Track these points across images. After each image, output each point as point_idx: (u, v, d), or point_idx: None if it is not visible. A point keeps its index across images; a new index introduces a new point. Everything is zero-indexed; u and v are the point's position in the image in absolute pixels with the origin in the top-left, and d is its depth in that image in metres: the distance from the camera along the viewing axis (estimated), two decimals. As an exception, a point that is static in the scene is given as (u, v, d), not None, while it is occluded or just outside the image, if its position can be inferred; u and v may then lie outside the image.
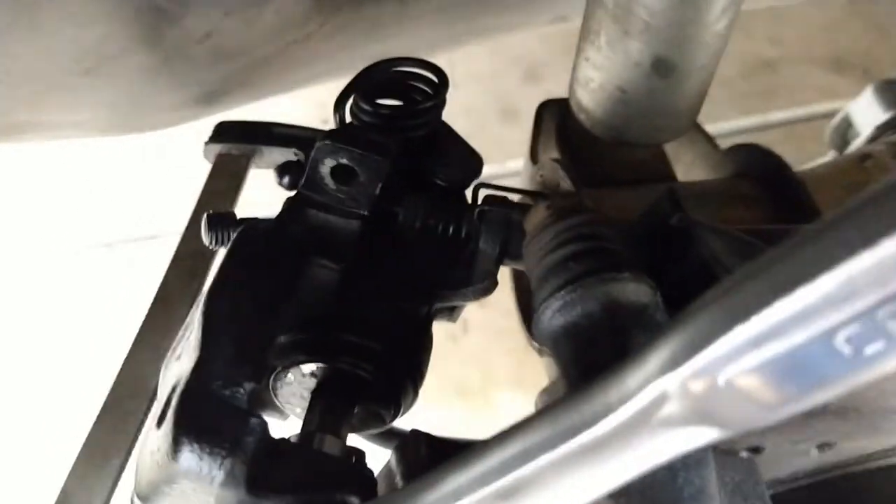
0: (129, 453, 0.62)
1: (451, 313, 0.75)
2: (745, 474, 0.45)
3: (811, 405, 0.31)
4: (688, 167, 0.95)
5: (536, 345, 0.82)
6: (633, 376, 0.33)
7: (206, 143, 0.83)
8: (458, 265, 0.68)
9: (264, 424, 0.51)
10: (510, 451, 0.38)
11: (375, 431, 0.70)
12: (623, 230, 0.47)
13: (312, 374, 0.65)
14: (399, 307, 0.66)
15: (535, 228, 0.47)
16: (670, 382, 0.32)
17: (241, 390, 0.52)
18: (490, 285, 0.69)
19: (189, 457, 0.48)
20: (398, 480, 0.67)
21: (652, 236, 0.50)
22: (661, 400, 0.32)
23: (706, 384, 0.31)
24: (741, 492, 0.43)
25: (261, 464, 0.50)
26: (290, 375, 0.65)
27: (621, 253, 0.45)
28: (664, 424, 0.33)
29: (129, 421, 0.62)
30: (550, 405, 0.37)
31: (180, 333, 0.64)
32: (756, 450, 0.46)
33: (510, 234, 0.66)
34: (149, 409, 0.65)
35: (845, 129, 1.26)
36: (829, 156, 1.28)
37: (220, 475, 0.48)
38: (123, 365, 0.66)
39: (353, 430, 0.68)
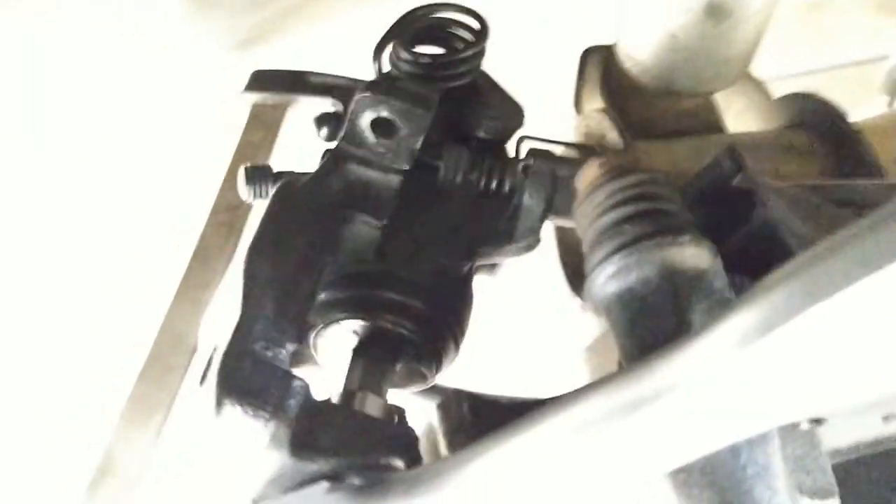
0: (171, 409, 0.61)
1: (492, 269, 0.73)
2: (807, 447, 0.43)
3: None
4: (737, 116, 0.91)
5: (581, 301, 0.80)
6: (701, 352, 0.32)
7: (242, 92, 0.81)
8: (500, 221, 0.66)
9: (307, 386, 0.50)
10: (566, 422, 0.36)
11: (417, 389, 0.70)
12: (680, 189, 0.45)
13: (353, 332, 0.64)
14: (440, 263, 0.64)
15: (588, 187, 0.44)
16: (742, 360, 0.30)
17: (283, 351, 0.51)
18: (533, 242, 0.67)
19: (232, 418, 0.48)
20: (440, 438, 0.67)
21: (711, 196, 0.48)
22: (730, 378, 0.31)
23: (781, 364, 0.29)
24: (803, 466, 0.41)
25: (304, 426, 0.49)
26: (330, 333, 0.64)
27: (680, 214, 0.43)
28: (731, 404, 0.32)
29: (172, 377, 0.61)
30: (610, 376, 0.35)
31: (220, 289, 0.63)
32: (818, 421, 0.45)
33: (556, 189, 0.64)
34: (190, 364, 0.64)
35: (900, 74, 1.20)
36: (883, 102, 1.23)
37: (263, 437, 0.48)
38: (165, 320, 0.66)
39: (395, 388, 0.67)
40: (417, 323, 0.63)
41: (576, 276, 0.82)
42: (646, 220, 0.42)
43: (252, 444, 0.48)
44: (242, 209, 0.73)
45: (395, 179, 0.61)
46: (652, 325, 0.40)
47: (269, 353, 0.50)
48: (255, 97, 0.81)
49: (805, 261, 0.29)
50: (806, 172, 0.76)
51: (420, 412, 0.67)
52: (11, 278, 1.19)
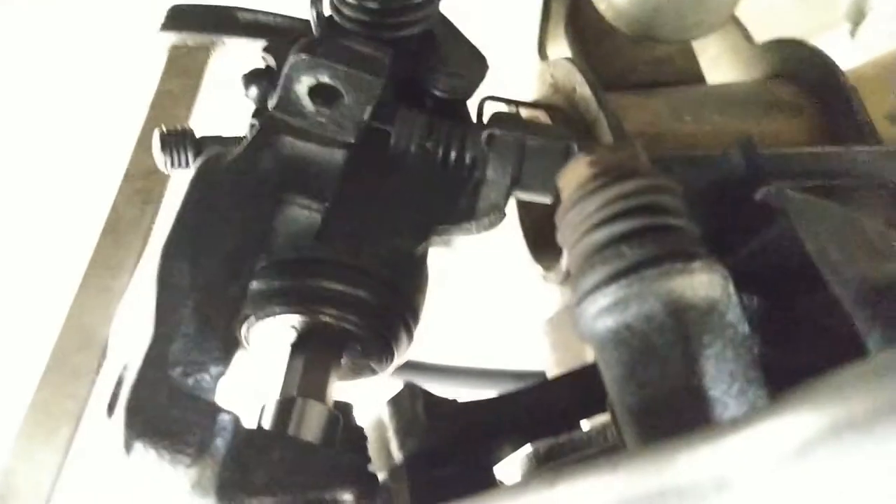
0: (79, 420, 0.53)
1: (448, 242, 0.66)
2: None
3: None
4: (712, 61, 0.83)
5: (547, 273, 0.73)
6: (741, 453, 0.25)
7: (158, 32, 0.70)
8: (460, 196, 0.58)
9: (236, 419, 0.42)
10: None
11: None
12: (686, 196, 0.37)
13: (292, 327, 0.56)
14: (390, 245, 0.56)
15: (576, 191, 0.36)
16: (794, 472, 0.23)
17: (207, 376, 0.43)
18: (497, 219, 0.59)
19: (145, 461, 0.40)
20: (391, 436, 0.61)
21: (722, 204, 0.40)
22: (778, 491, 0.24)
23: (842, 477, 0.23)
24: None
25: (233, 465, 0.41)
26: (264, 326, 0.56)
27: (689, 232, 0.35)
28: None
29: (79, 381, 0.53)
30: (616, 459, 0.28)
31: (135, 275, 0.54)
32: None
33: (523, 161, 0.56)
34: (101, 365, 0.56)
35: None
36: (845, 31, 1.18)
37: (185, 483, 0.40)
38: (70, 312, 0.56)
39: (341, 380, 0.60)
40: (364, 315, 0.55)
41: (537, 243, 0.75)
42: (649, 241, 0.34)
43: (171, 488, 0.41)
44: (160, 174, 0.63)
45: (338, 154, 0.51)
46: (655, 373, 0.33)
47: (190, 381, 0.42)
48: (173, 38, 0.70)
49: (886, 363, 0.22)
50: (792, 133, 0.70)
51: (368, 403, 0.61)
52: None
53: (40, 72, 0.89)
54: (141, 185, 0.63)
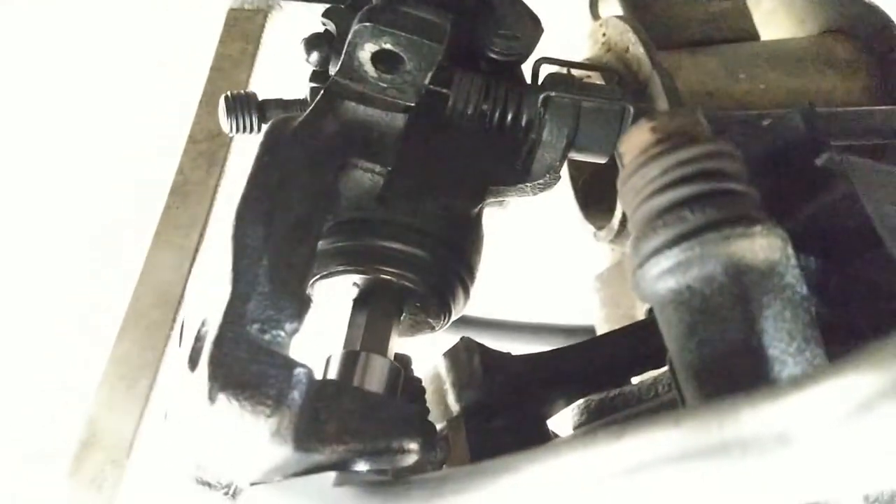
0: (157, 371, 0.56)
1: (503, 203, 0.67)
2: None
3: None
4: (766, 16, 0.82)
5: (598, 231, 0.74)
6: (803, 410, 0.26)
7: (216, -6, 0.71)
8: (515, 157, 0.59)
9: (310, 372, 0.45)
10: (623, 456, 0.31)
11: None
12: (746, 158, 0.38)
13: (354, 284, 0.58)
14: (447, 205, 0.58)
15: (640, 157, 0.37)
16: (855, 429, 0.25)
17: (283, 333, 0.45)
18: (552, 180, 0.60)
19: (229, 412, 0.43)
20: (448, 388, 0.63)
21: (782, 167, 0.41)
22: (839, 447, 0.26)
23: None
24: None
25: (307, 416, 0.44)
26: (328, 283, 0.58)
27: (749, 197, 0.36)
28: (828, 470, 0.27)
29: (156, 335, 0.56)
30: (679, 414, 0.30)
31: (207, 234, 0.56)
32: None
33: (579, 123, 0.57)
34: (175, 319, 0.59)
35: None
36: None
37: (265, 432, 0.43)
38: (144, 270, 0.59)
39: (401, 337, 0.63)
40: (422, 273, 0.57)
41: (588, 202, 0.76)
42: (710, 205, 0.35)
43: (251, 438, 0.43)
44: (224, 137, 0.65)
45: (399, 119, 0.53)
46: (715, 332, 0.35)
47: (267, 337, 0.44)
48: (231, 0, 0.72)
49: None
50: (847, 90, 0.69)
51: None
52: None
53: (106, 37, 0.91)
54: (205, 148, 0.65)
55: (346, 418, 0.45)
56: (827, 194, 0.39)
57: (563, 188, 0.75)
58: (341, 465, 0.45)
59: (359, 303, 0.58)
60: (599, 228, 0.74)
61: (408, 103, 0.53)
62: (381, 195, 0.55)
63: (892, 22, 0.69)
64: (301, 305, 0.46)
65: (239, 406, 0.42)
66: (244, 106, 0.58)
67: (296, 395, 0.43)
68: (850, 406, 0.25)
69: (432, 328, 0.62)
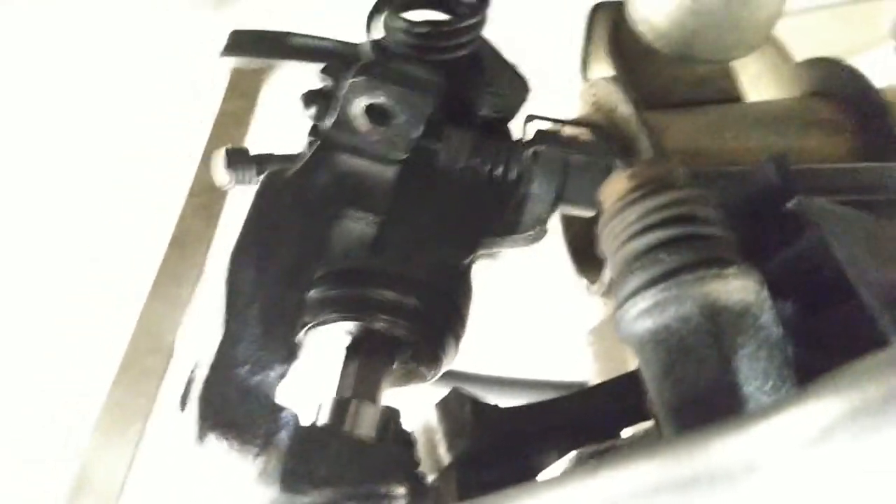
0: (149, 417, 0.57)
1: (494, 255, 0.68)
2: None
3: None
4: (753, 79, 0.85)
5: (590, 286, 0.76)
6: (768, 438, 0.27)
7: (220, 56, 0.74)
8: (505, 210, 0.61)
9: (296, 416, 0.45)
10: (607, 491, 0.32)
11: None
12: (723, 207, 0.40)
13: (347, 332, 0.59)
14: (439, 257, 0.59)
15: (618, 203, 0.39)
16: (817, 455, 0.26)
17: (272, 374, 0.46)
18: (540, 233, 0.62)
19: (217, 450, 0.43)
20: (439, 438, 0.63)
21: (757, 216, 0.42)
22: (802, 473, 0.26)
23: (864, 459, 0.25)
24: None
25: (295, 458, 0.45)
26: (321, 332, 0.59)
27: (724, 240, 0.38)
28: (794, 496, 0.27)
29: (149, 382, 0.56)
30: (653, 447, 0.31)
31: (200, 285, 0.58)
32: None
33: (567, 177, 0.59)
34: (168, 367, 0.59)
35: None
36: (889, 48, 1.18)
37: (252, 471, 0.44)
38: (140, 318, 0.60)
39: (392, 387, 0.63)
40: (415, 322, 0.58)
41: (581, 257, 0.77)
42: (686, 248, 0.37)
43: (238, 477, 0.44)
44: (222, 191, 0.67)
45: (390, 171, 0.55)
46: (691, 370, 0.36)
47: (256, 379, 0.45)
48: (233, 61, 0.74)
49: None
50: (830, 149, 0.71)
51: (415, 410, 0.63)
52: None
53: (113, 90, 0.94)
54: (205, 201, 0.67)
55: (335, 461, 0.46)
56: (799, 240, 0.40)
57: (556, 242, 0.76)
58: (327, 509, 0.46)
59: (351, 351, 0.59)
60: (592, 282, 0.75)
61: (399, 156, 0.55)
62: (374, 245, 0.56)
63: (872, 84, 0.72)
64: (290, 351, 0.47)
65: (227, 444, 0.43)
66: (244, 159, 0.60)
67: (284, 436, 0.44)
68: (812, 433, 0.26)
69: (423, 378, 0.63)
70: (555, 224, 0.76)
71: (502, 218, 0.61)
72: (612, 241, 0.39)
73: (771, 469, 0.27)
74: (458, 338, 0.62)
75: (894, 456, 0.24)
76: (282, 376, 0.46)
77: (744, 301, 0.36)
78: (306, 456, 0.45)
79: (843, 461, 0.25)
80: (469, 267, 0.62)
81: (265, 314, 0.47)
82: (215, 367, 0.44)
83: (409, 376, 0.63)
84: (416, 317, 0.58)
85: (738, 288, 0.36)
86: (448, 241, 0.60)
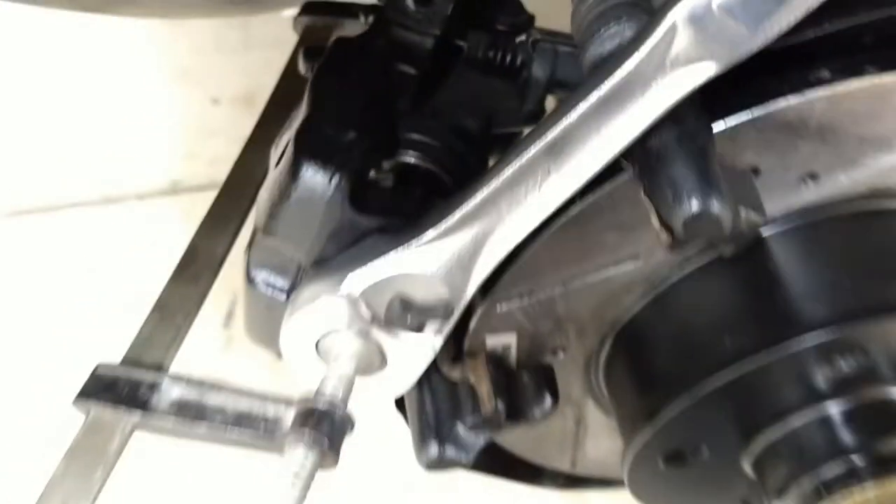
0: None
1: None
2: (743, 187, 0.56)
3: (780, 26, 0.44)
4: None
5: None
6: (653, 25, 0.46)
7: (295, 18, 0.98)
8: (512, 94, 0.81)
9: (365, 161, 0.64)
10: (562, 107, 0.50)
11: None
12: None
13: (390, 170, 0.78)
14: (463, 124, 0.79)
15: None
16: (679, 15, 0.45)
17: (348, 133, 0.64)
18: (539, 111, 0.82)
19: (306, 173, 0.62)
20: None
21: None
22: (671, 35, 0.45)
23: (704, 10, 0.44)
24: (737, 195, 0.53)
25: (360, 191, 0.63)
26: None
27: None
28: (674, 62, 0.46)
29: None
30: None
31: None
32: (755, 171, 0.58)
33: (557, 61, 0.79)
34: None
35: None
36: None
37: (329, 189, 0.62)
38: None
39: None
40: (446, 166, 0.75)
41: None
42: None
43: (321, 196, 0.62)
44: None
45: (429, 41, 0.76)
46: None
47: (334, 132, 0.64)
48: (305, 20, 0.97)
49: None
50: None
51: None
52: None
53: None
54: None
55: (388, 201, 0.64)
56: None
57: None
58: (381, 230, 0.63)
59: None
60: None
61: (435, 31, 0.76)
62: (415, 97, 0.76)
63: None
64: (359, 127, 0.66)
65: (314, 166, 0.61)
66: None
67: (353, 166, 0.62)
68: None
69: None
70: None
71: (510, 100, 0.81)
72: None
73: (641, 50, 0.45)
74: None
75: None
76: (356, 139, 0.65)
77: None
78: (366, 194, 0.63)
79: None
80: (483, 138, 0.81)
81: (343, 104, 0.67)
82: (306, 123, 0.64)
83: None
84: (448, 161, 0.75)
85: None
86: (469, 113, 0.79)
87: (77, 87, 1.65)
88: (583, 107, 0.49)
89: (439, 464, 0.68)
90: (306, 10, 0.97)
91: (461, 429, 0.70)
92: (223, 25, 1.81)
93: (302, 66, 0.82)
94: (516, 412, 0.70)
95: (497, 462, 0.88)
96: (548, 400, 0.70)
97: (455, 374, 0.70)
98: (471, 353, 0.70)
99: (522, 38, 0.83)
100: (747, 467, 0.69)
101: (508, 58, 0.81)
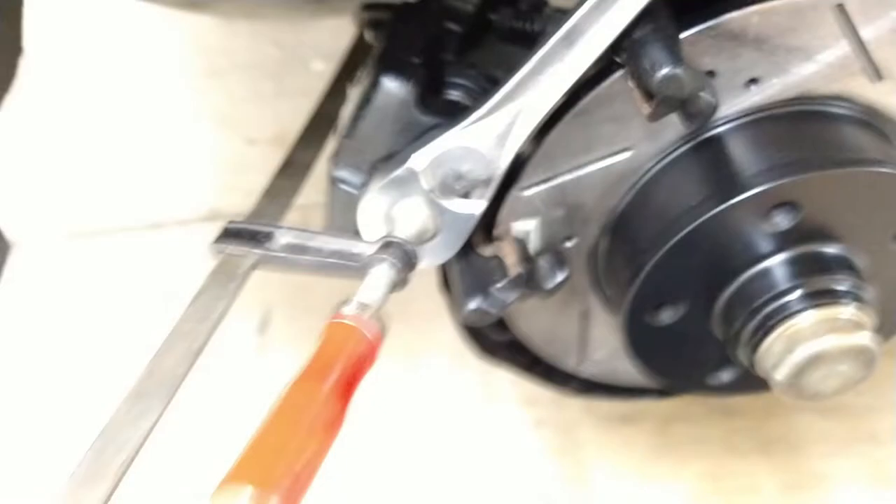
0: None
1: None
2: (702, 78, 0.78)
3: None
4: None
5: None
6: None
7: (356, 13, 1.23)
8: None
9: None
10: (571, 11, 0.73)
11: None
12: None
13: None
14: (493, 74, 1.02)
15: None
16: None
17: (414, 58, 0.87)
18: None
19: (385, 81, 0.85)
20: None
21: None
22: None
23: None
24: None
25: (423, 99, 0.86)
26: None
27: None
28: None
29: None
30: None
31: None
32: (711, 73, 0.81)
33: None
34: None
35: None
36: None
37: (402, 93, 0.84)
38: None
39: None
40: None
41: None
42: None
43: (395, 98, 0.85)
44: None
45: (471, 6, 1.00)
46: None
47: (402, 56, 0.87)
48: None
49: None
50: None
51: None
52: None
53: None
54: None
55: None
56: None
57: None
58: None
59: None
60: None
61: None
62: (457, 51, 0.99)
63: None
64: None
65: (396, 74, 0.84)
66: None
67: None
68: None
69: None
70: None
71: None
72: None
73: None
74: None
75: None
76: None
77: None
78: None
79: None
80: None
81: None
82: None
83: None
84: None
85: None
86: (497, 66, 1.02)
87: (132, 126, 1.98)
88: (586, 7, 0.72)
89: (475, 313, 0.88)
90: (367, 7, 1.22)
91: (493, 290, 0.90)
92: (259, 77, 2.12)
93: (367, 35, 1.06)
94: (534, 284, 0.90)
95: (518, 358, 1.08)
96: (559, 275, 0.90)
97: (488, 251, 0.91)
98: (499, 238, 0.91)
99: (540, 13, 1.07)
100: (717, 324, 0.89)
101: (529, 27, 1.04)
